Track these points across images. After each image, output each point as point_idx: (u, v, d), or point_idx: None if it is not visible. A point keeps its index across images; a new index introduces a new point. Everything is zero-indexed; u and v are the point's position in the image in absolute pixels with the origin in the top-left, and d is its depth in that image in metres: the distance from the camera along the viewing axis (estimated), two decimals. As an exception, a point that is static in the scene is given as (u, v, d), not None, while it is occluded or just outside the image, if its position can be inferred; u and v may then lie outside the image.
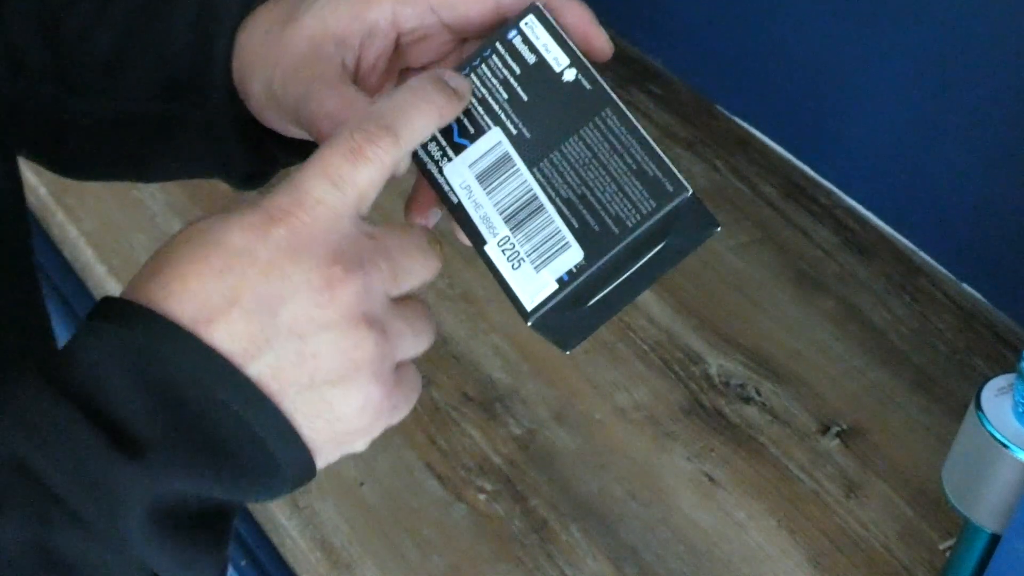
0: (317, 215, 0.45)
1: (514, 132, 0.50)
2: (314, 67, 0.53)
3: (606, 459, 0.97)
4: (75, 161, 0.67)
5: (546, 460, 0.96)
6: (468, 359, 1.05)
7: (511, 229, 0.49)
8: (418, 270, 0.47)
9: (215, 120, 0.59)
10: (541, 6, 0.52)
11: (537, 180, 0.49)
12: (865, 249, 1.20)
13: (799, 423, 1.01)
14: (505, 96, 0.51)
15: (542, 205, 0.49)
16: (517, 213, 0.49)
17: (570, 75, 0.50)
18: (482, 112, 0.51)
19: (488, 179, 0.50)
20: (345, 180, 0.45)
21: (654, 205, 0.47)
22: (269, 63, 0.55)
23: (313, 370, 0.44)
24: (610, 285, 0.49)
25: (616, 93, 0.50)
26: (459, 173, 0.51)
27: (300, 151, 0.61)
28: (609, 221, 0.48)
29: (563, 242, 0.48)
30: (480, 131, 0.51)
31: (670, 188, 0.47)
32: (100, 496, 0.42)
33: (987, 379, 0.76)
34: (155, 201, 1.19)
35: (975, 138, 1.10)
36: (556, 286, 0.48)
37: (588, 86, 0.50)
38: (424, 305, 0.48)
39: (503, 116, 0.51)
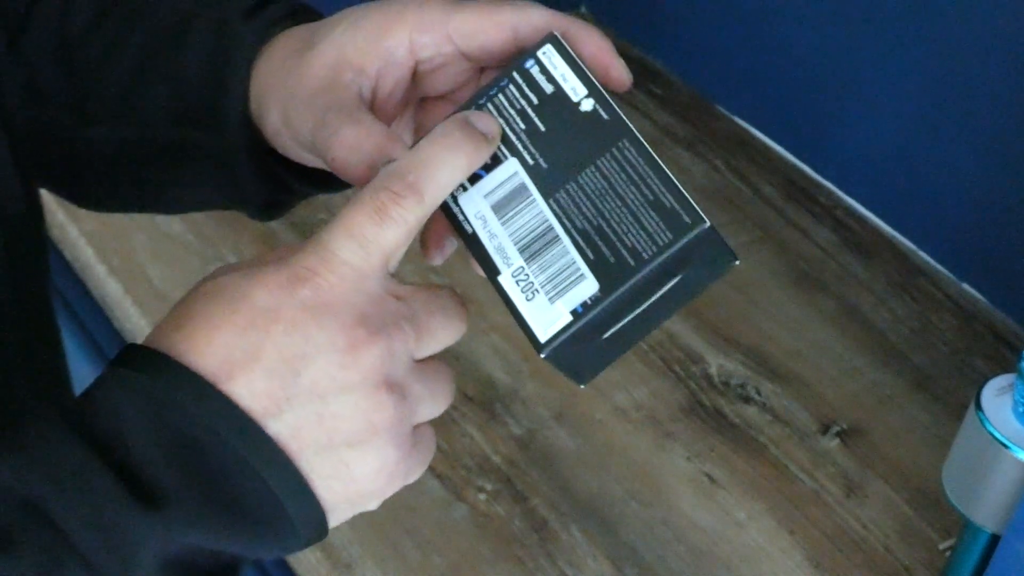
0: (343, 275, 0.45)
1: (531, 162, 0.50)
2: (330, 95, 0.52)
3: (606, 459, 0.97)
4: (92, 191, 0.67)
5: (546, 460, 0.96)
6: (468, 359, 1.05)
7: (526, 260, 0.48)
8: (442, 333, 0.47)
9: (231, 149, 0.59)
10: (559, 35, 0.52)
11: (553, 211, 0.49)
12: (865, 249, 1.20)
13: (799, 423, 1.01)
14: (522, 126, 0.51)
15: (557, 236, 0.48)
16: (532, 244, 0.49)
17: (588, 105, 0.50)
18: (499, 142, 0.51)
19: (503, 209, 0.49)
20: (370, 241, 0.45)
21: (671, 237, 0.47)
22: (286, 91, 0.55)
23: (332, 431, 0.44)
24: (626, 318, 0.48)
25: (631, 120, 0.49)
26: (474, 203, 0.50)
27: (316, 181, 0.61)
28: (625, 253, 0.47)
29: (578, 273, 0.47)
30: (496, 161, 0.50)
31: (687, 220, 0.47)
32: (114, 544, 0.41)
33: (987, 379, 0.76)
34: (155, 201, 1.19)
35: (975, 138, 1.10)
36: (570, 318, 0.47)
37: (606, 116, 0.49)
38: (446, 366, 0.48)
39: (520, 146, 0.50)
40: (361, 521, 0.92)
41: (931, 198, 1.17)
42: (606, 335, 0.48)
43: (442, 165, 0.47)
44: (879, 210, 1.23)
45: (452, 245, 0.53)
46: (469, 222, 0.50)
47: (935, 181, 1.16)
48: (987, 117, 1.08)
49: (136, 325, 1.06)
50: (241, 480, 0.43)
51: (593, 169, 0.49)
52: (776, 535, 0.92)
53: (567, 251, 0.48)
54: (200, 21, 0.60)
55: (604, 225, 0.48)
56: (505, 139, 0.51)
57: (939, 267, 1.18)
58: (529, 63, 0.52)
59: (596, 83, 0.50)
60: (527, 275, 0.48)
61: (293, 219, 1.14)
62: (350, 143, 0.50)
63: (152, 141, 0.61)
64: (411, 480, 0.48)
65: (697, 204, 0.47)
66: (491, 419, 1.00)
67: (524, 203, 0.49)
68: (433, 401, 0.47)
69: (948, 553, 0.90)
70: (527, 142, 0.50)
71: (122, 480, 0.42)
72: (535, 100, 0.51)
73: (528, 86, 0.51)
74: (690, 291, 0.49)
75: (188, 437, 0.42)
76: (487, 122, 0.50)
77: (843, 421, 1.02)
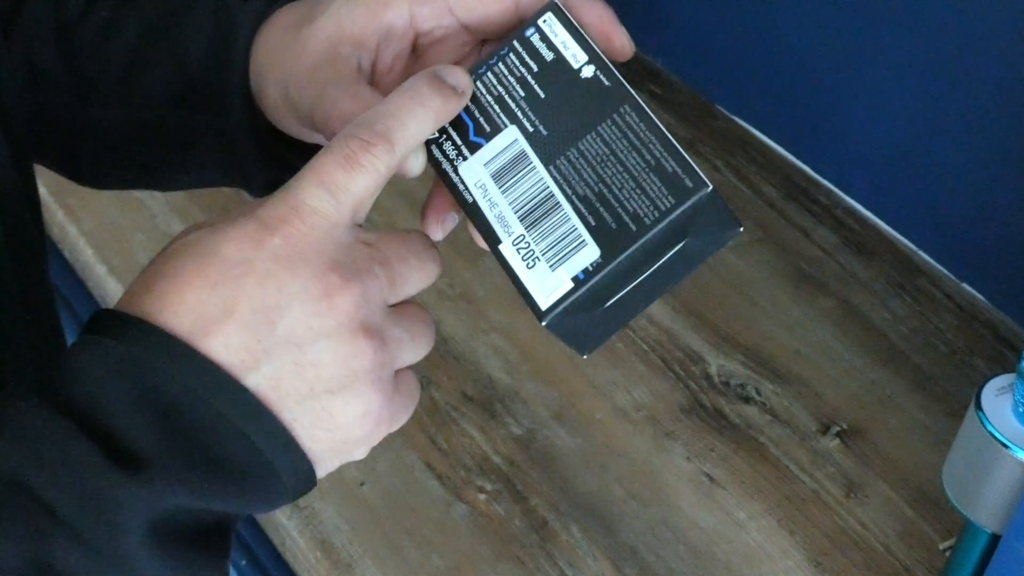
0: (313, 224, 0.44)
1: (530, 129, 0.50)
2: (330, 69, 0.52)
3: (606, 459, 0.97)
4: (92, 169, 0.67)
5: (546, 460, 0.96)
6: (468, 359, 1.05)
7: (526, 228, 0.48)
8: (416, 276, 0.47)
9: (232, 127, 0.59)
10: (560, 3, 0.51)
11: (553, 178, 0.48)
12: (865, 249, 1.20)
13: (799, 423, 1.01)
14: (522, 94, 0.50)
15: (558, 203, 0.48)
16: (532, 211, 0.48)
17: (588, 72, 0.50)
18: (498, 110, 0.51)
19: (503, 177, 0.49)
20: (340, 188, 0.45)
21: (673, 202, 0.46)
22: (285, 66, 0.55)
23: (312, 379, 0.44)
24: (627, 286, 0.48)
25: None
26: (474, 172, 0.50)
27: None
28: (627, 218, 0.47)
29: (579, 240, 0.47)
30: (496, 129, 0.50)
31: (689, 184, 0.46)
32: (99, 512, 0.41)
33: (987, 379, 0.76)
34: (155, 201, 1.19)
35: (975, 138, 1.10)
36: (572, 285, 0.47)
37: (606, 82, 0.49)
38: (422, 310, 0.48)
39: (519, 114, 0.50)
40: (361, 521, 0.92)
41: (931, 198, 1.17)
42: (608, 304, 0.48)
43: (410, 116, 0.47)
44: (879, 210, 1.23)
45: (453, 220, 0.52)
46: (469, 191, 0.50)
47: (935, 181, 1.16)
48: (987, 117, 1.08)
49: (136, 325, 1.06)
50: (224, 437, 0.43)
51: (594, 135, 0.48)
52: (776, 535, 0.92)
53: (568, 218, 0.48)
54: (198, 0, 0.60)
55: (605, 191, 0.47)
56: (504, 107, 0.50)
57: (939, 267, 1.18)
58: (530, 31, 0.52)
59: (597, 49, 0.50)
60: (528, 243, 0.48)
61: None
62: (350, 117, 0.50)
63: (153, 121, 0.61)
64: (395, 427, 0.47)
65: (699, 169, 0.47)
66: (491, 419, 1.00)
67: (524, 170, 0.49)
68: (413, 345, 0.47)
69: (948, 553, 0.90)
70: (527, 109, 0.50)
71: (102, 447, 0.41)
72: (535, 68, 0.51)
73: (528, 54, 0.51)
74: (693, 259, 0.48)
75: (166, 399, 0.42)
76: (457, 76, 0.50)
77: (843, 421, 1.02)
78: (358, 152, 0.45)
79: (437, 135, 0.51)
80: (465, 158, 0.50)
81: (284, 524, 0.91)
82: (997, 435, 0.73)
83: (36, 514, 0.41)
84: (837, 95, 1.23)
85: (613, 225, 0.47)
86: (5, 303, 0.57)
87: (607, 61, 0.50)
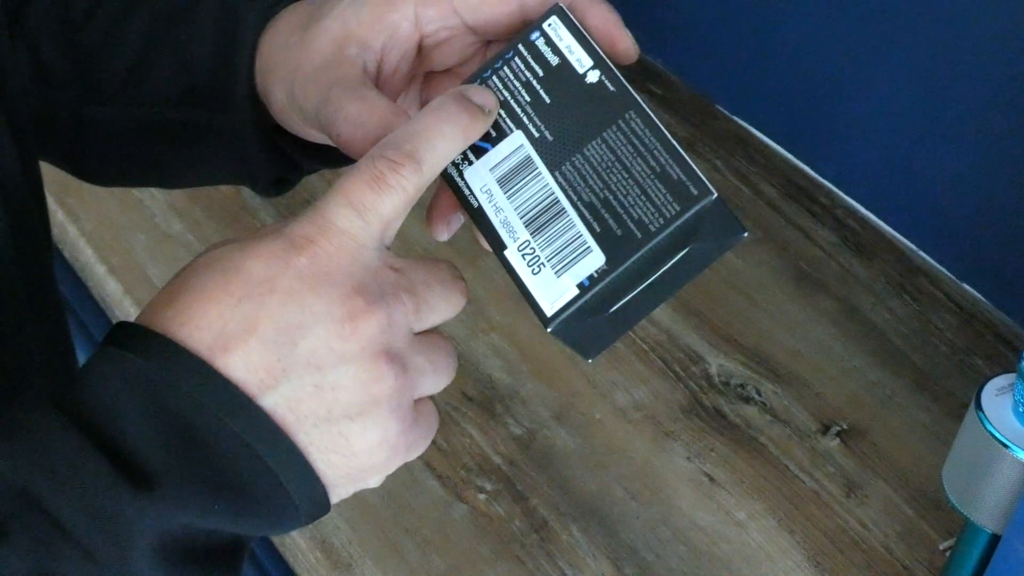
0: (340, 244, 0.44)
1: (536, 135, 0.49)
2: (335, 70, 0.52)
3: (606, 459, 0.97)
4: (97, 167, 0.67)
5: (546, 460, 0.96)
6: (468, 359, 1.05)
7: (532, 233, 0.48)
8: (442, 306, 0.46)
9: (237, 126, 0.59)
10: (564, 7, 0.51)
11: (559, 183, 0.48)
12: (865, 249, 1.20)
13: (799, 423, 1.01)
14: (527, 99, 0.50)
15: (563, 209, 0.48)
16: (538, 217, 0.48)
17: (593, 77, 0.50)
18: (504, 115, 0.50)
19: (509, 183, 0.49)
20: (368, 209, 0.44)
21: (678, 209, 0.46)
22: (290, 67, 0.54)
23: (331, 403, 0.43)
24: (632, 292, 0.48)
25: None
26: (480, 177, 0.50)
27: (322, 157, 0.60)
28: (632, 225, 0.47)
29: (584, 246, 0.47)
30: (502, 134, 0.50)
31: (694, 191, 0.46)
32: (108, 528, 0.41)
33: (987, 379, 0.76)
34: (155, 201, 1.19)
35: (975, 138, 1.10)
36: (577, 291, 0.47)
37: (612, 88, 0.49)
38: (446, 341, 0.47)
39: (525, 119, 0.50)
40: (361, 521, 0.92)
41: (931, 198, 1.17)
42: (613, 309, 0.48)
43: (439, 136, 0.46)
44: (879, 210, 1.23)
45: (458, 221, 0.52)
46: (475, 196, 0.50)
47: (935, 181, 1.16)
48: (987, 118, 1.08)
49: (136, 325, 1.06)
50: (237, 458, 0.42)
51: (599, 141, 0.48)
52: (776, 535, 0.92)
53: (573, 224, 0.47)
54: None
55: (610, 197, 0.47)
56: (510, 112, 0.50)
57: (939, 267, 1.18)
58: (534, 35, 0.52)
59: (602, 54, 0.50)
60: (533, 248, 0.48)
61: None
62: (355, 119, 0.50)
63: (158, 119, 0.61)
64: (413, 456, 0.47)
65: (704, 176, 0.47)
66: (491, 419, 1.00)
67: (530, 176, 0.49)
68: (435, 374, 0.46)
69: (948, 553, 0.90)
70: (532, 115, 0.50)
71: (115, 464, 0.41)
72: (540, 72, 0.51)
73: (533, 58, 0.51)
74: (698, 264, 0.48)
75: (181, 415, 0.42)
76: (484, 96, 0.49)
77: (843, 421, 1.02)
78: (387, 173, 0.45)
79: None
80: (471, 163, 0.50)
81: (284, 524, 0.91)
82: (997, 435, 0.73)
83: (44, 527, 0.41)
84: (837, 95, 1.23)
85: (618, 232, 0.47)
86: (11, 298, 0.57)
87: (612, 66, 0.50)
